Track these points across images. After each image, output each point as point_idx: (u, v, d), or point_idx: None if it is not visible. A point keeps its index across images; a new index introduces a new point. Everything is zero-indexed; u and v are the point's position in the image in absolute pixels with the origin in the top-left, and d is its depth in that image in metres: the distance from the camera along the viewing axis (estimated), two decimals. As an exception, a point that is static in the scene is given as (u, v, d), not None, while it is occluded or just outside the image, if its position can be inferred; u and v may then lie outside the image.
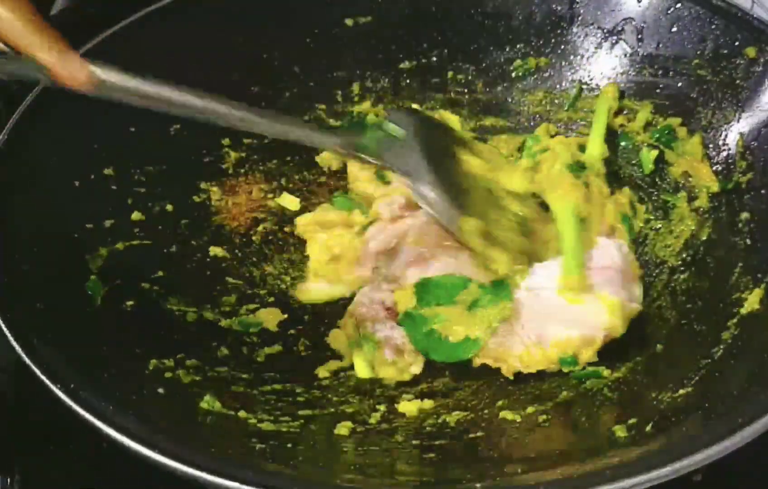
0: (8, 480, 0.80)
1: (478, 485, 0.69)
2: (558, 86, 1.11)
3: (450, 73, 1.14)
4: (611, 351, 0.83)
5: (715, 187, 0.94)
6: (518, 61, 1.13)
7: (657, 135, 1.02)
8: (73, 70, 0.77)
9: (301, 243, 1.01)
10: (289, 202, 1.05)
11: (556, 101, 1.11)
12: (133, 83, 0.80)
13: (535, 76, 1.12)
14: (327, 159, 1.09)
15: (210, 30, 1.05)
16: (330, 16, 1.12)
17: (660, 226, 0.97)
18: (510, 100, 1.13)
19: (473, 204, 0.90)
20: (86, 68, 0.78)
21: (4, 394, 0.88)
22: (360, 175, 1.03)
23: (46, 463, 0.82)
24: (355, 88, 1.14)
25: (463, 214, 0.88)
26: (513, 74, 1.13)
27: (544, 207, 0.95)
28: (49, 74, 0.77)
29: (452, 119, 1.11)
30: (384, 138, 0.91)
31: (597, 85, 1.09)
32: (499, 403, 0.80)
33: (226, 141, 1.06)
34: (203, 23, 1.06)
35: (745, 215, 0.89)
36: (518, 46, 1.13)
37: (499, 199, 0.93)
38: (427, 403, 0.81)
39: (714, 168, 0.96)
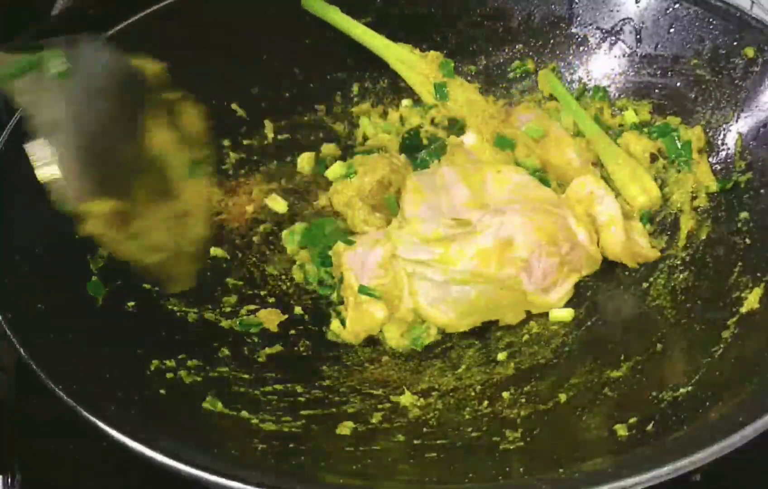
0: (8, 480, 0.80)
1: (479, 485, 0.69)
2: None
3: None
4: (612, 350, 0.84)
5: (714, 187, 0.94)
6: (517, 62, 1.13)
7: (655, 131, 1.02)
8: None
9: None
10: (278, 205, 1.04)
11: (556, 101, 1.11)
12: None
13: (535, 77, 1.13)
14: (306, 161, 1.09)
15: (210, 31, 1.05)
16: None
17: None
18: (509, 100, 1.13)
19: (125, 187, 0.74)
20: None
21: (4, 394, 0.88)
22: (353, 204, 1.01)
23: (46, 463, 0.82)
24: (355, 88, 1.14)
25: (97, 193, 0.71)
26: (511, 75, 1.14)
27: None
28: None
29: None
30: (36, 68, 0.70)
31: (596, 85, 1.09)
32: (500, 402, 0.80)
33: (226, 142, 1.06)
34: (203, 24, 1.06)
35: (744, 215, 0.89)
36: (517, 46, 1.13)
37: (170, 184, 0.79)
38: (428, 402, 0.81)
39: (713, 168, 0.97)
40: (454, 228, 0.90)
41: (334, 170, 1.06)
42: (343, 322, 0.91)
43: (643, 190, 0.98)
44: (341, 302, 0.93)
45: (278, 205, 1.04)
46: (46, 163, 0.70)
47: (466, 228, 0.90)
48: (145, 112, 0.78)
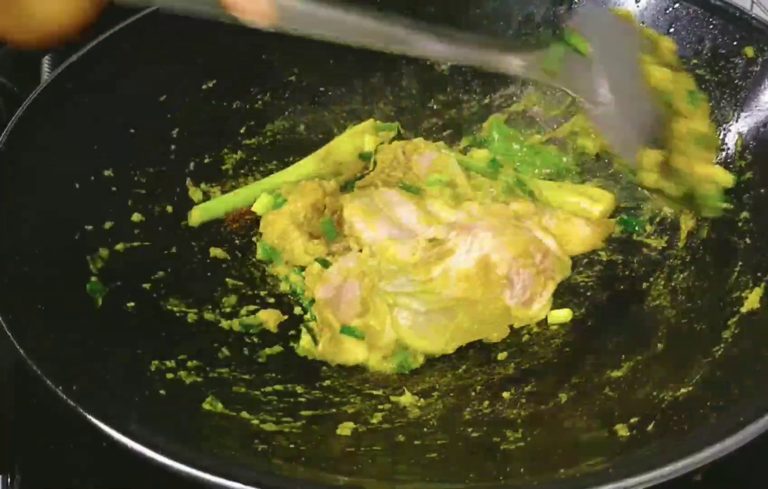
0: (8, 479, 0.80)
1: (479, 485, 0.69)
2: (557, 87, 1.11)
3: (448, 74, 1.14)
4: (612, 350, 0.84)
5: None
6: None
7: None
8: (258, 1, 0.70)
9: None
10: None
11: (556, 101, 1.11)
12: (308, 7, 0.73)
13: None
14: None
15: (210, 31, 1.05)
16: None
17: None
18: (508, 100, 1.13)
19: (653, 128, 0.82)
20: None
21: (3, 394, 0.88)
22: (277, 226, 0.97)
23: (46, 463, 0.82)
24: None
25: (642, 145, 0.81)
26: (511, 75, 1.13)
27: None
28: (229, 8, 0.72)
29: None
30: (567, 54, 0.81)
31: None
32: (500, 402, 0.80)
33: (226, 142, 1.06)
34: (204, 24, 1.05)
35: (744, 214, 0.89)
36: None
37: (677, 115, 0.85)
38: (428, 402, 0.81)
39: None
40: (429, 249, 0.88)
41: (262, 203, 0.99)
42: (314, 339, 0.88)
43: (595, 201, 0.98)
44: (313, 318, 0.91)
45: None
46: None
47: (442, 246, 0.89)
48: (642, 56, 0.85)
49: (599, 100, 0.80)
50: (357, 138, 1.07)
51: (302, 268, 0.95)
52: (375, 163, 1.04)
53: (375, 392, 0.83)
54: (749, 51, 0.96)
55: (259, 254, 0.98)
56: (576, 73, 0.80)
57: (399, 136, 1.10)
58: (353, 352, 0.87)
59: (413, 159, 1.03)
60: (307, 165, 1.04)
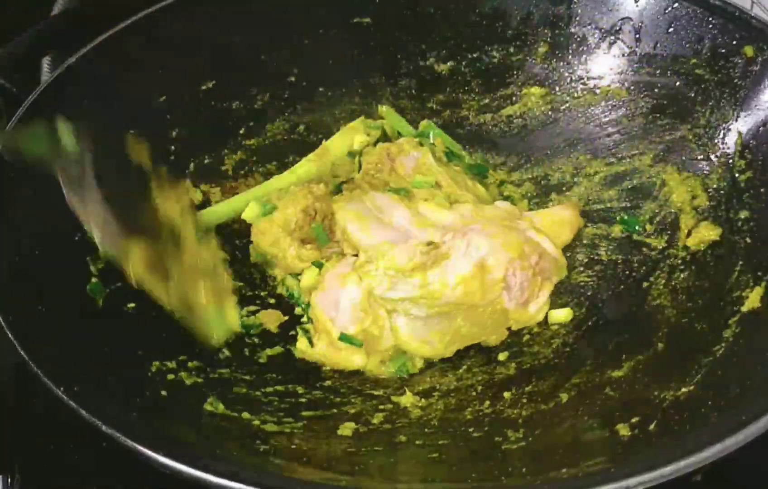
0: (8, 479, 0.80)
1: (481, 485, 0.69)
2: (556, 87, 1.11)
3: (447, 74, 1.14)
4: (613, 350, 0.84)
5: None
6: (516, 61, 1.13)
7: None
8: None
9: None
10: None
11: (554, 101, 1.11)
12: None
13: (533, 77, 1.13)
14: None
15: (210, 31, 1.05)
16: (329, 17, 1.12)
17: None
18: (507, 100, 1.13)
19: (148, 234, 0.82)
20: None
21: (4, 394, 0.88)
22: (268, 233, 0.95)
23: (46, 463, 0.82)
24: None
25: (130, 238, 0.80)
26: (510, 74, 1.13)
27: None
28: None
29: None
30: (55, 144, 0.79)
31: (595, 85, 1.09)
32: (501, 402, 0.81)
33: (226, 142, 1.06)
34: (203, 25, 1.06)
35: (744, 214, 0.89)
36: (516, 45, 1.13)
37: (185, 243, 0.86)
38: (429, 402, 0.81)
39: (712, 167, 0.97)
40: (425, 254, 0.87)
41: (252, 210, 0.97)
42: (310, 342, 0.88)
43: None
44: (310, 320, 0.90)
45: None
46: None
47: (438, 250, 0.88)
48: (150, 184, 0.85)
49: (85, 191, 0.80)
50: (348, 136, 1.07)
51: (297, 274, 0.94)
52: (360, 165, 1.04)
53: (376, 393, 0.83)
54: (749, 50, 0.96)
55: (253, 258, 0.98)
56: (67, 161, 0.80)
57: (384, 137, 1.09)
58: (351, 359, 0.86)
59: (398, 160, 1.02)
60: (302, 167, 1.04)
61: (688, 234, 0.93)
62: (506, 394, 0.81)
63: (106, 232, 0.79)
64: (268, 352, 0.87)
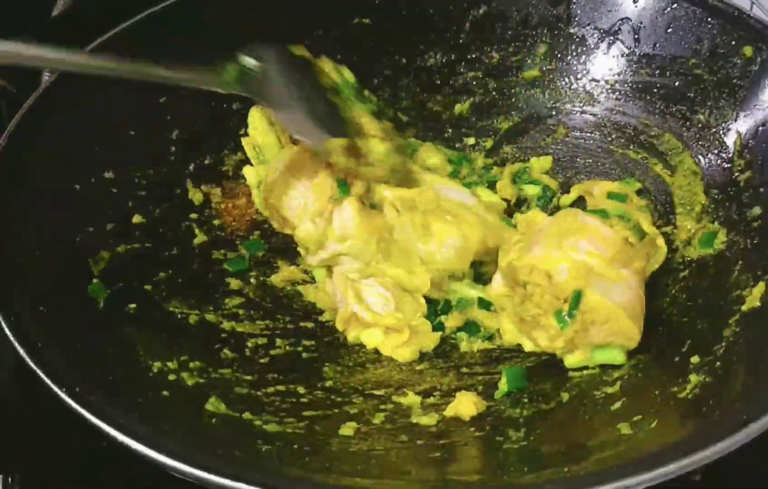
0: (8, 479, 0.80)
1: (482, 485, 0.69)
2: (555, 87, 1.11)
3: (447, 74, 1.14)
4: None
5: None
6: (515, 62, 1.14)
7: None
8: None
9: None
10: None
11: (554, 101, 1.11)
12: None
13: (532, 77, 1.13)
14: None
15: (209, 32, 1.05)
16: (329, 17, 1.12)
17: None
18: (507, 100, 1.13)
19: (341, 127, 0.93)
20: None
21: (4, 394, 0.88)
22: (259, 125, 1.03)
23: (46, 463, 0.82)
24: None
25: (329, 134, 0.91)
26: (510, 75, 1.14)
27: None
28: None
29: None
30: (243, 72, 0.91)
31: (595, 85, 1.09)
32: (503, 403, 0.81)
33: (226, 142, 1.06)
34: (203, 25, 1.06)
35: (744, 213, 0.89)
36: (515, 46, 1.13)
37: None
38: (431, 402, 0.82)
39: (712, 167, 0.97)
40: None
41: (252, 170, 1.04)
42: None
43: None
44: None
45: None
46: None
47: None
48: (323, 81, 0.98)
49: (279, 102, 0.92)
50: None
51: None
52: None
53: (377, 392, 0.83)
54: (748, 50, 0.97)
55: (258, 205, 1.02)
56: (256, 84, 0.91)
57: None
58: (372, 336, 0.89)
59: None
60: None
61: (688, 234, 0.93)
62: (507, 394, 0.81)
63: (311, 136, 0.91)
64: (270, 352, 0.87)
